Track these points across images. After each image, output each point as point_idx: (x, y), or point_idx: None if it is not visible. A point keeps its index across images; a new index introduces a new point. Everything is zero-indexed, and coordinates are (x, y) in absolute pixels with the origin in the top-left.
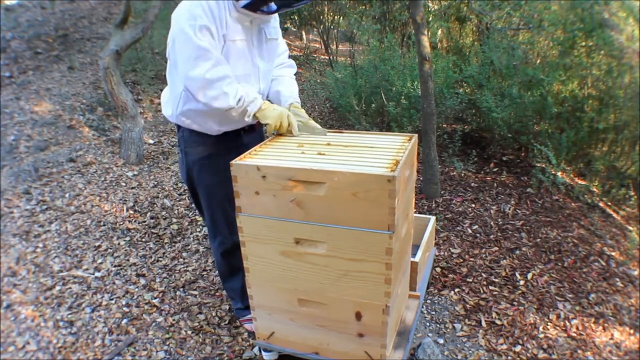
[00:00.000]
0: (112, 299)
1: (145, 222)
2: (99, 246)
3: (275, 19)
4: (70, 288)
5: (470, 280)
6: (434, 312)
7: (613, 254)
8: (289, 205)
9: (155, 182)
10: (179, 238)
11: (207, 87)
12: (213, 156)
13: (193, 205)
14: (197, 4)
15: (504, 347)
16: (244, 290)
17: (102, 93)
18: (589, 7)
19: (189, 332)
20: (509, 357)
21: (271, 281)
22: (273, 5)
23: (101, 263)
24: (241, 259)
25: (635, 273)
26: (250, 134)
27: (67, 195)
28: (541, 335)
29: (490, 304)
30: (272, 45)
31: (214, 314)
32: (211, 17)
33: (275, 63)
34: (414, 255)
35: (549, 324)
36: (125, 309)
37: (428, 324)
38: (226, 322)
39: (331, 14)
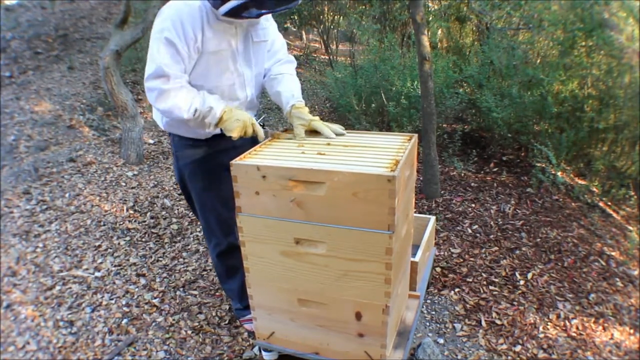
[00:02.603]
0: (112, 299)
1: (145, 222)
2: (99, 246)
3: (266, 19)
4: (70, 288)
5: (470, 280)
6: (434, 312)
7: (613, 253)
8: (289, 205)
9: (155, 182)
10: (179, 238)
11: (162, 99)
12: (203, 159)
13: None
14: (168, 17)
15: (504, 347)
16: (243, 290)
17: (102, 93)
18: (589, 7)
19: (189, 332)
20: (509, 357)
21: (271, 281)
22: (254, 10)
23: (101, 263)
24: (238, 259)
25: (635, 273)
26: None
27: (67, 195)
28: (541, 335)
29: (490, 304)
30: (259, 48)
31: (214, 313)
32: (181, 32)
33: (273, 60)
34: (414, 255)
35: (549, 323)
36: (125, 308)
37: (428, 324)
38: (226, 322)
39: (331, 13)
